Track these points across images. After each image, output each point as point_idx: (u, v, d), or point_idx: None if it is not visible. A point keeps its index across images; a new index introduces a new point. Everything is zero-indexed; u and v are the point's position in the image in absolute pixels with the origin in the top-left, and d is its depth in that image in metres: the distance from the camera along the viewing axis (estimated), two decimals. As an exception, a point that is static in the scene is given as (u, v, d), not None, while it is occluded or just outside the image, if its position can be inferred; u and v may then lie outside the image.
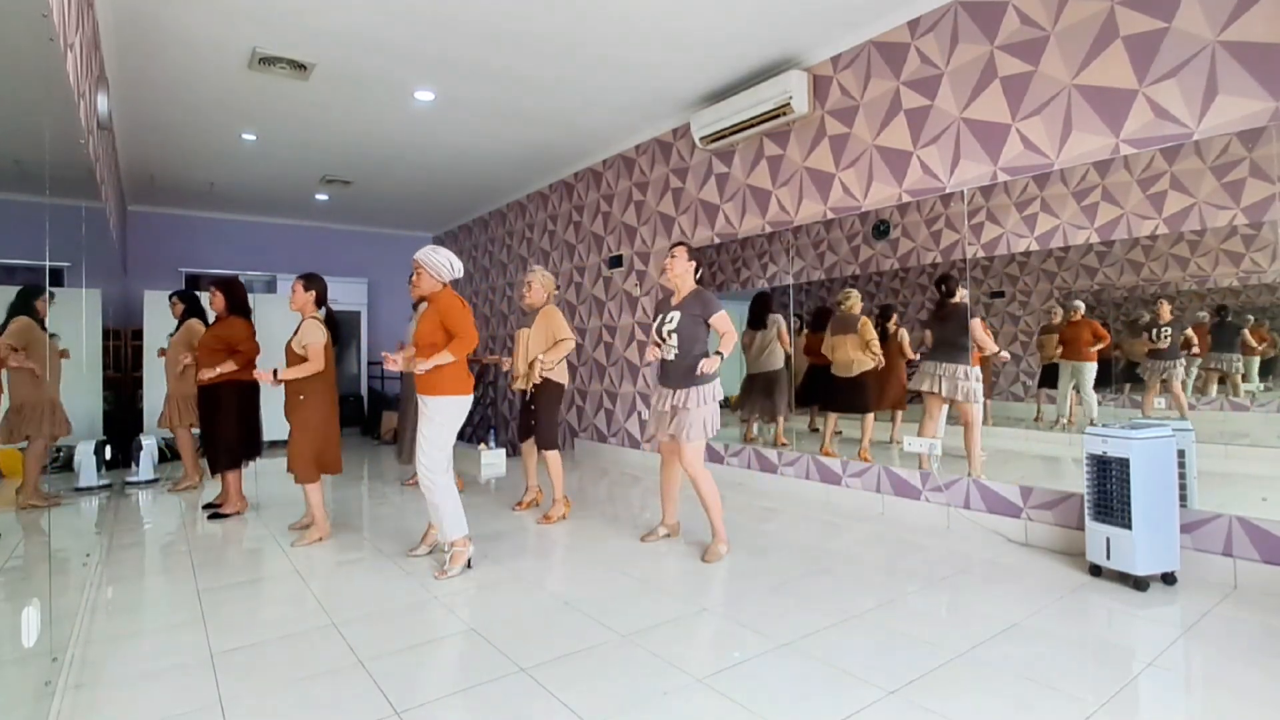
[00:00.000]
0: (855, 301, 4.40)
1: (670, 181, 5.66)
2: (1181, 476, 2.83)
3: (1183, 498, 2.84)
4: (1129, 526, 2.72)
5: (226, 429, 4.19)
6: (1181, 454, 2.85)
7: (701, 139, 4.99)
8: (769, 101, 4.44)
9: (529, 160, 6.67)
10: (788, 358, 4.95)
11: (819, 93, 4.42)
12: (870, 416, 4.41)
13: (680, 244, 3.43)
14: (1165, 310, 3.14)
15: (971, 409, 3.71)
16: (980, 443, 3.71)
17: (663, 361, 3.38)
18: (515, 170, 7.01)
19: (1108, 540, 2.81)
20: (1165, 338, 3.17)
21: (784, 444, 4.80)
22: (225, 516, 4.24)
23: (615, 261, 6.28)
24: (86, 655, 2.32)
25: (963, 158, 3.67)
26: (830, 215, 4.39)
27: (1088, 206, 3.23)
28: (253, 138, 5.81)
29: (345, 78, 4.60)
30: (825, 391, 4.69)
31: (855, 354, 4.42)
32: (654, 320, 3.44)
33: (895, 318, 4.26)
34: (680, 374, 3.26)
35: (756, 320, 5.11)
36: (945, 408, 3.84)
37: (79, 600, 2.74)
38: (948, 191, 3.74)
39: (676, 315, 3.31)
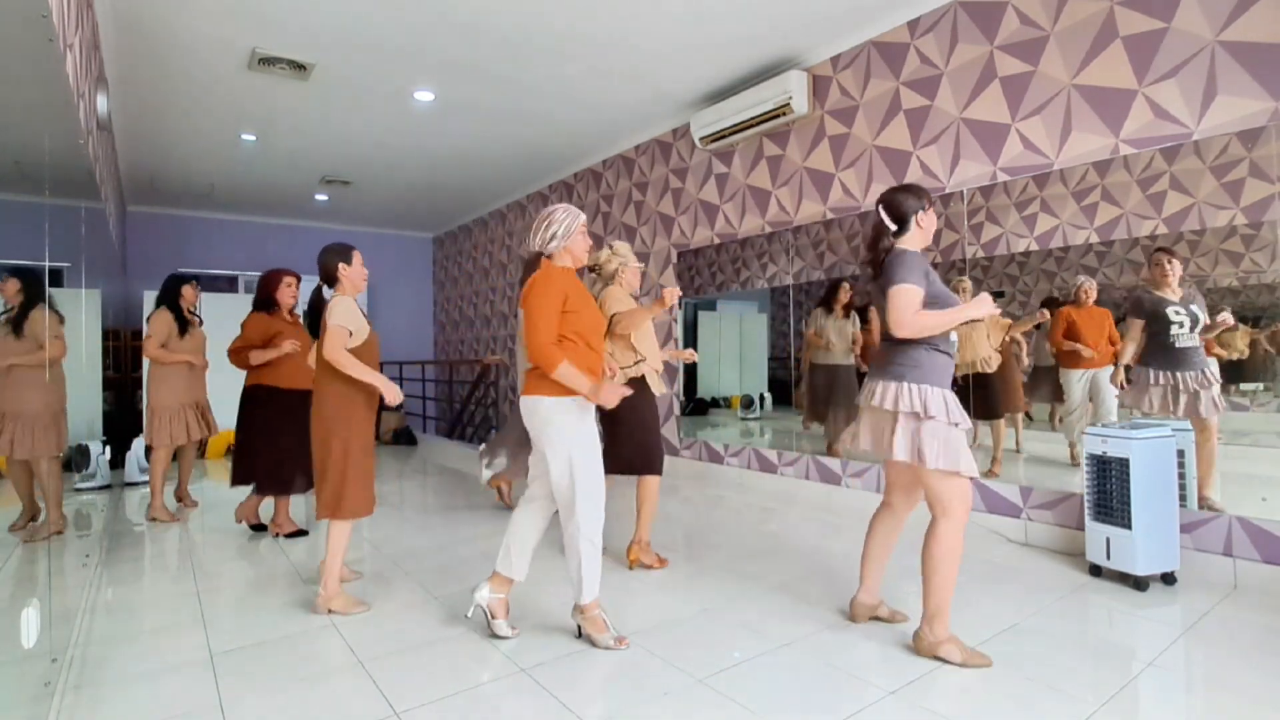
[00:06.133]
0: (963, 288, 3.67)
1: (670, 182, 5.66)
2: (1181, 476, 2.83)
3: (1182, 498, 2.85)
4: (1129, 526, 2.73)
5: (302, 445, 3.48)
6: (1181, 454, 2.85)
7: (701, 139, 4.99)
8: (769, 102, 4.44)
9: (529, 161, 6.67)
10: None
11: (819, 93, 4.42)
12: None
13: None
14: None
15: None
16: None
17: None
18: (515, 171, 7.01)
19: (1108, 540, 2.81)
20: None
21: (839, 453, 4.36)
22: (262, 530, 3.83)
23: (615, 262, 6.28)
24: (86, 655, 2.32)
25: (962, 158, 3.67)
26: (830, 215, 4.39)
27: (1087, 206, 3.23)
28: (253, 138, 5.81)
29: (345, 78, 4.60)
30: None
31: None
32: (951, 306, 2.29)
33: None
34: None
35: (831, 306, 4.55)
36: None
37: (79, 601, 2.74)
38: (947, 191, 3.74)
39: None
